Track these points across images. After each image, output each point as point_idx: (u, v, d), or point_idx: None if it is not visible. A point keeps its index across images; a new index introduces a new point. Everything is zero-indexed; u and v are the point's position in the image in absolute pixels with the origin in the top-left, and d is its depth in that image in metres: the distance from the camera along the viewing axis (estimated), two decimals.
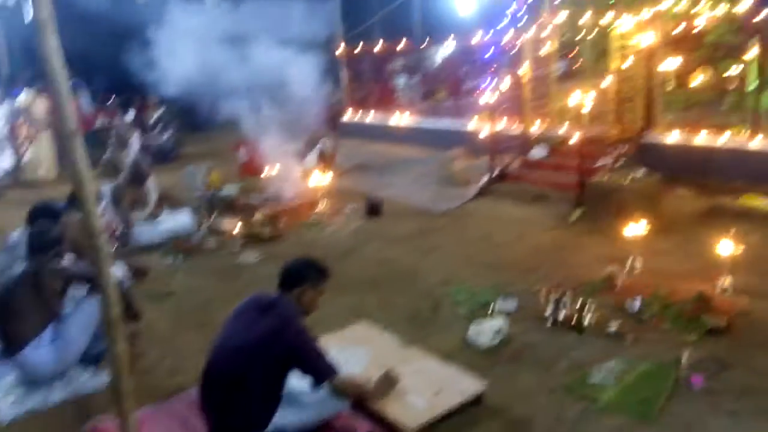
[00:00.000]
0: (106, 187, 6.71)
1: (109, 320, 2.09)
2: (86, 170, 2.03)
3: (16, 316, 3.33)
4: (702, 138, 6.63)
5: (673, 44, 7.81)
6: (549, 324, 3.86)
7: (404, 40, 12.23)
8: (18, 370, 3.41)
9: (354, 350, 3.45)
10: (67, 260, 3.80)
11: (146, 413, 2.99)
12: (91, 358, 3.55)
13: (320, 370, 2.63)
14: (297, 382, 2.82)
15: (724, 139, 6.49)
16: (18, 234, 4.16)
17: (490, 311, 4.02)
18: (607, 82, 7.07)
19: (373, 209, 6.61)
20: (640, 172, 5.86)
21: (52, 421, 3.09)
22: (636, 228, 4.72)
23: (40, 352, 3.33)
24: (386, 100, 11.72)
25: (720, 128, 6.70)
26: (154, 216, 6.19)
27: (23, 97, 9.42)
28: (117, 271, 4.29)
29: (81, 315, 3.48)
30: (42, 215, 4.05)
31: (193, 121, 13.46)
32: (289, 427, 2.65)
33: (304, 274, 2.80)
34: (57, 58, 1.97)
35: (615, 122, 6.97)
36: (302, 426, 2.71)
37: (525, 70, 8.07)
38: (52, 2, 1.99)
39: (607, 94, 7.12)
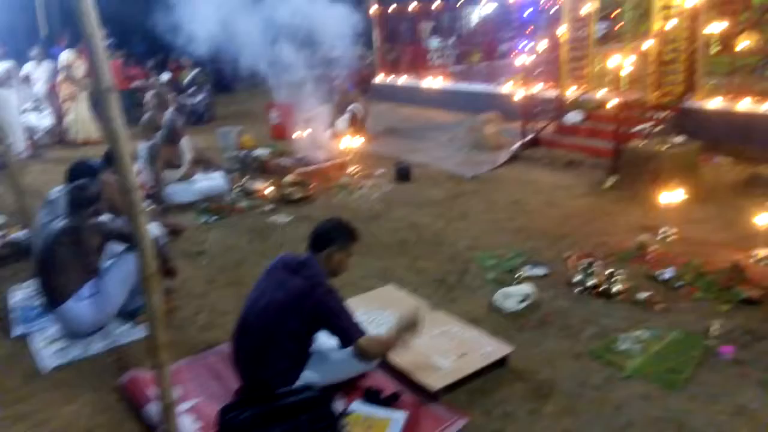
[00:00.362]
0: (143, 147, 6.85)
1: (146, 275, 2.16)
2: (121, 127, 2.07)
3: (57, 271, 3.46)
4: (745, 105, 6.38)
5: (719, 6, 7.46)
6: (577, 291, 3.84)
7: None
8: (59, 322, 3.57)
9: (379, 313, 3.50)
10: (105, 218, 3.92)
11: (180, 365, 3.12)
12: (128, 313, 3.68)
13: (347, 331, 2.68)
14: (326, 339, 2.90)
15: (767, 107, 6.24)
16: (57, 191, 4.29)
17: (517, 277, 4.01)
18: (648, 44, 6.82)
19: (403, 174, 6.60)
20: (678, 139, 5.69)
21: (92, 371, 3.23)
22: (672, 196, 4.63)
23: (79, 305, 3.47)
24: (419, 63, 11.56)
25: (764, 95, 6.43)
26: (188, 176, 6.30)
27: (63, 57, 9.56)
28: (153, 229, 4.41)
29: (119, 271, 3.59)
30: (80, 173, 4.15)
31: (225, 82, 13.54)
32: (316, 384, 2.72)
33: (333, 236, 2.83)
34: (93, 17, 2.00)
35: (655, 87, 6.74)
36: (329, 383, 2.79)
37: (563, 31, 7.83)
38: None
39: (648, 58, 6.88)
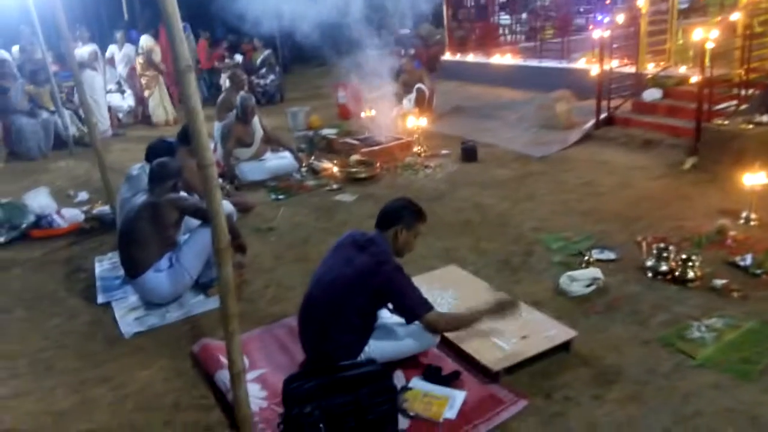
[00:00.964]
0: (217, 126, 7.11)
1: (219, 247, 2.26)
2: (198, 105, 2.16)
3: (138, 243, 3.68)
4: None
5: None
6: (649, 276, 3.71)
7: None
8: (139, 292, 3.81)
9: (441, 293, 3.51)
10: (183, 194, 4.11)
11: (250, 336, 3.27)
12: (202, 285, 3.88)
13: (414, 307, 2.74)
14: (389, 315, 2.95)
15: None
16: (138, 167, 4.54)
17: (585, 260, 3.91)
18: (736, 16, 6.37)
19: (469, 153, 6.53)
20: (765, 118, 5.33)
21: (168, 339, 3.43)
22: (755, 178, 4.35)
23: (158, 276, 3.68)
24: (489, 40, 11.31)
25: None
26: (258, 155, 6.48)
27: (143, 41, 10.00)
28: (225, 205, 4.59)
29: (194, 244, 3.77)
30: (159, 151, 4.37)
31: (295, 61, 13.75)
32: (378, 358, 2.78)
33: (400, 215, 2.86)
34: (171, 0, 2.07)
35: (741, 62, 6.31)
36: (391, 358, 2.84)
37: (643, 3, 7.43)
38: None
39: (735, 31, 6.43)
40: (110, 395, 2.96)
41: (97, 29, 14.25)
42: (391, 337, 2.85)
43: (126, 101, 10.27)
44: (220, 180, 5.97)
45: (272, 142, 6.71)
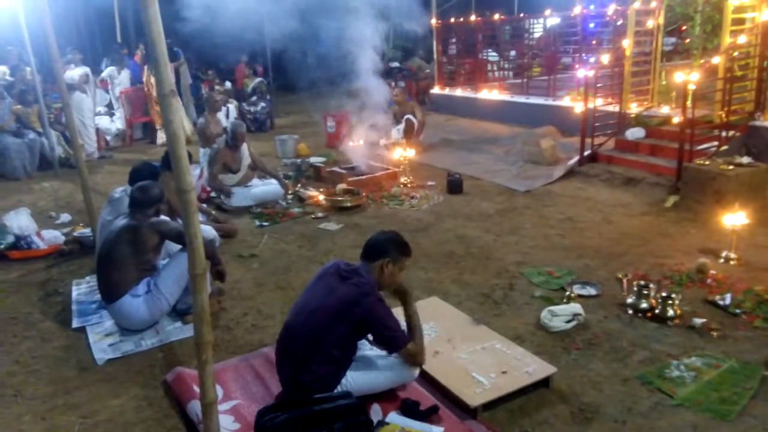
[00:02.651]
0: (201, 152, 7.11)
1: (195, 272, 2.23)
2: (179, 130, 2.16)
3: (116, 267, 3.63)
4: None
5: None
6: (629, 313, 3.72)
7: (498, 14, 11.91)
8: (115, 317, 3.74)
9: (422, 325, 3.47)
10: (164, 218, 4.08)
11: (225, 365, 3.21)
12: (180, 312, 3.82)
13: (395, 339, 2.74)
14: (369, 347, 2.92)
15: None
16: (121, 190, 4.50)
17: (567, 295, 3.91)
18: (717, 60, 6.54)
19: (454, 186, 6.57)
20: (745, 159, 5.44)
21: (142, 366, 3.36)
22: (735, 218, 4.41)
23: (135, 301, 3.62)
24: (477, 75, 11.50)
25: None
26: (245, 181, 6.48)
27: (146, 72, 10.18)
28: (207, 230, 4.56)
29: (173, 269, 3.72)
30: (143, 174, 4.35)
31: (287, 89, 13.90)
32: (355, 392, 2.74)
33: (387, 248, 2.86)
34: (157, 25, 2.09)
35: (722, 104, 6.46)
36: (368, 391, 2.80)
37: (628, 45, 7.62)
38: None
39: (716, 74, 6.60)
40: (79, 423, 2.87)
41: (89, 52, 14.34)
42: (369, 370, 2.82)
43: (115, 124, 10.26)
44: (205, 205, 5.96)
45: (259, 169, 6.71)
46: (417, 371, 2.89)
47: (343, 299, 2.70)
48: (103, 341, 3.62)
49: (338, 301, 2.70)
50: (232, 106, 10.09)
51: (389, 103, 9.08)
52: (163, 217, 3.96)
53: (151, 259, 3.78)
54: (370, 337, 2.85)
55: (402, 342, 2.75)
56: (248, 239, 5.38)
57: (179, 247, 3.82)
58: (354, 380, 2.77)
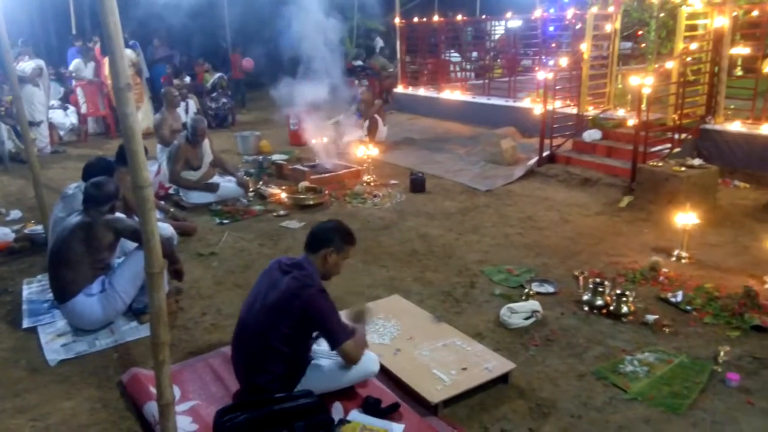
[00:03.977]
0: (159, 147, 6.96)
1: (152, 271, 2.18)
2: (135, 124, 2.11)
3: (69, 265, 3.52)
4: (765, 129, 6.29)
5: (744, 29, 7.40)
6: (585, 309, 3.81)
7: (461, 15, 12.02)
8: (67, 317, 3.62)
9: (384, 323, 3.50)
10: (120, 215, 3.97)
11: (183, 365, 3.15)
12: (136, 311, 3.73)
13: (335, 334, 2.68)
14: (325, 346, 2.90)
15: None
16: (74, 186, 4.37)
17: (525, 293, 3.98)
18: (671, 65, 6.76)
19: (417, 185, 6.60)
20: (696, 161, 5.63)
21: (96, 367, 3.26)
22: (687, 218, 4.56)
23: (89, 301, 3.52)
24: (440, 75, 11.59)
25: None
26: (206, 178, 6.36)
27: (128, 53, 9.95)
28: (165, 229, 4.47)
29: (129, 268, 3.63)
30: (97, 170, 4.23)
31: (249, 85, 13.74)
32: (316, 390, 2.72)
33: (330, 237, 2.82)
34: (114, 17, 2.03)
35: (675, 108, 6.68)
36: (329, 389, 2.79)
37: (586, 48, 7.80)
38: None
39: (670, 78, 6.82)
40: (29, 427, 2.78)
41: (43, 44, 13.86)
42: (329, 368, 2.80)
43: (69, 118, 9.95)
44: (162, 202, 5.83)
45: (219, 166, 6.60)
46: (377, 368, 2.89)
47: (284, 293, 2.65)
48: (55, 342, 3.51)
49: (280, 295, 2.65)
50: (192, 101, 9.91)
51: (354, 101, 9.08)
52: (118, 215, 3.86)
53: (106, 258, 3.68)
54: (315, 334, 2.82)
55: (342, 338, 2.68)
56: (208, 237, 5.29)
57: (135, 245, 3.73)
58: (314, 379, 2.76)
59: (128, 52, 10.17)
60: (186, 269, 4.01)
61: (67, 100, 10.18)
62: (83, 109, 9.97)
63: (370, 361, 2.85)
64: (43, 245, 4.75)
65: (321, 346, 2.91)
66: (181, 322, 3.74)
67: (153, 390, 2.65)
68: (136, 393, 2.89)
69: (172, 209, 5.72)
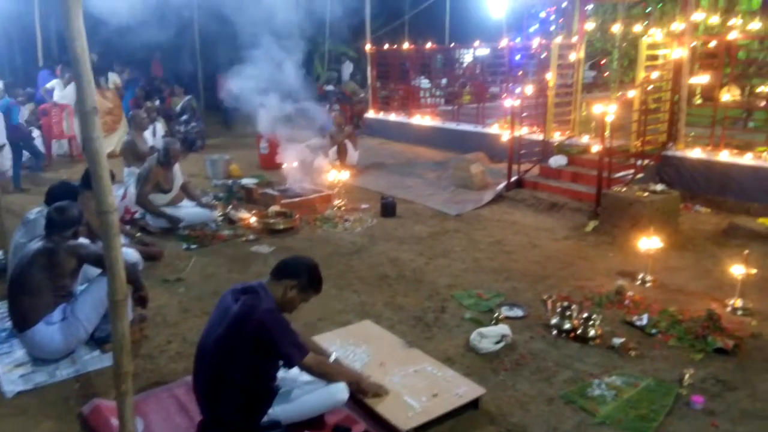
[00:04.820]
0: (127, 170, 6.85)
1: (115, 299, 2.13)
2: (101, 147, 2.08)
3: (30, 292, 3.42)
4: (724, 156, 6.52)
5: (703, 59, 7.70)
6: (554, 333, 3.84)
7: (430, 42, 12.24)
8: (27, 346, 3.50)
9: (354, 349, 3.48)
10: (83, 240, 3.89)
11: (147, 396, 3.07)
12: (98, 340, 3.62)
13: (290, 355, 2.61)
14: (293, 374, 2.86)
15: (747, 159, 6.37)
16: (36, 211, 4.27)
17: (495, 317, 4.01)
18: (633, 93, 6.98)
19: (388, 209, 6.63)
20: (658, 187, 5.79)
21: (56, 398, 3.16)
22: (651, 242, 4.67)
23: (49, 329, 3.41)
24: (410, 101, 11.74)
25: (743, 147, 6.58)
26: (175, 202, 6.28)
27: (111, 77, 9.91)
28: (131, 254, 4.38)
29: (92, 295, 3.54)
30: (60, 194, 4.14)
31: (219, 111, 13.69)
32: (284, 420, 2.67)
33: (299, 272, 2.76)
34: (81, 41, 2.02)
35: (637, 135, 6.88)
36: (298, 419, 2.74)
37: (551, 77, 8.01)
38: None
39: (632, 106, 7.04)
40: None
41: (8, 68, 13.67)
42: (297, 397, 2.75)
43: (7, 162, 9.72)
44: (128, 227, 5.72)
45: (188, 191, 6.52)
46: (346, 396, 2.85)
47: (234, 320, 2.57)
48: (13, 372, 3.38)
49: (230, 323, 2.57)
50: (160, 124, 9.82)
51: (327, 126, 9.11)
52: (81, 240, 3.77)
53: (68, 285, 3.58)
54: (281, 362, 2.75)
55: (296, 359, 2.61)
56: (175, 263, 5.20)
57: (99, 271, 3.64)
58: (281, 409, 2.70)
59: (113, 76, 10.13)
60: (151, 296, 3.92)
61: (37, 119, 9.96)
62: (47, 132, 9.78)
63: (338, 390, 2.81)
64: (3, 271, 4.60)
65: (288, 373, 2.86)
66: (145, 350, 3.65)
67: (115, 422, 2.57)
68: (98, 425, 2.79)
69: (138, 234, 5.62)
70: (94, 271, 3.71)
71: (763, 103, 8.42)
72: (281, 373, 2.84)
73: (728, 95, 7.34)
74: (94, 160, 2.06)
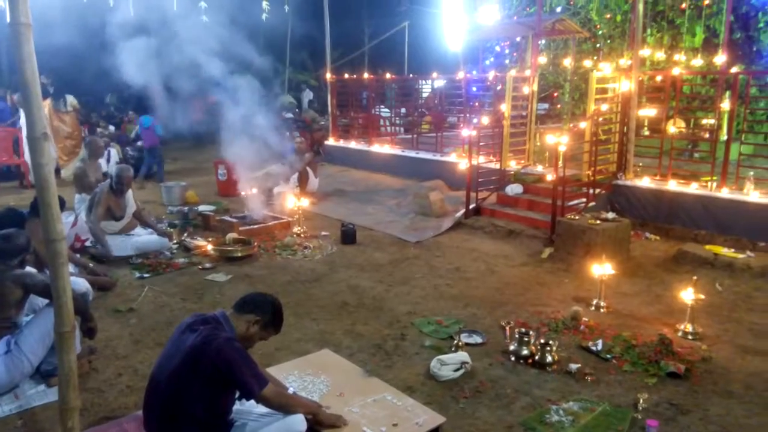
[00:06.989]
0: (77, 198, 6.66)
1: (62, 330, 2.05)
2: (51, 175, 2.03)
3: None
4: (672, 185, 6.79)
5: (650, 93, 8.06)
6: (512, 359, 3.87)
7: (389, 73, 12.45)
8: None
9: (313, 379, 3.42)
10: (30, 269, 3.73)
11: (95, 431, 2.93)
12: (44, 374, 3.46)
13: (248, 385, 2.54)
14: (248, 406, 2.78)
15: (693, 188, 6.65)
16: None
17: (455, 344, 4.01)
18: (584, 124, 7.23)
19: (348, 236, 6.62)
20: (610, 215, 5.97)
21: None
22: (603, 269, 4.79)
23: None
24: (370, 129, 11.86)
25: (689, 177, 6.87)
26: (128, 229, 6.12)
27: (71, 99, 9.76)
28: (80, 283, 4.23)
29: (38, 326, 3.40)
30: (7, 222, 3.99)
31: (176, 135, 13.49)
32: None
33: (264, 308, 2.74)
34: (31, 64, 1.98)
35: (589, 164, 7.11)
36: None
37: (506, 108, 8.23)
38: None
39: (584, 137, 7.28)
40: None
41: None
42: (252, 430, 2.67)
43: None
44: (78, 255, 5.54)
45: (140, 218, 6.36)
46: (304, 428, 2.79)
47: (191, 351, 2.50)
48: None
49: (186, 355, 2.51)
50: (114, 150, 9.62)
51: (288, 153, 9.09)
52: (28, 269, 3.63)
53: (13, 316, 3.43)
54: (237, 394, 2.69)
55: (256, 390, 2.54)
56: (127, 292, 5.04)
57: (45, 301, 3.50)
58: None
59: (70, 98, 9.90)
60: (102, 327, 3.79)
61: None
62: None
63: (296, 421, 2.75)
64: None
65: (243, 405, 2.79)
66: (94, 384, 3.50)
67: None
68: None
69: (91, 264, 5.43)
70: (41, 301, 3.56)
71: (706, 135, 8.85)
72: (236, 406, 2.76)
73: (674, 127, 7.67)
74: (42, 187, 2.00)
